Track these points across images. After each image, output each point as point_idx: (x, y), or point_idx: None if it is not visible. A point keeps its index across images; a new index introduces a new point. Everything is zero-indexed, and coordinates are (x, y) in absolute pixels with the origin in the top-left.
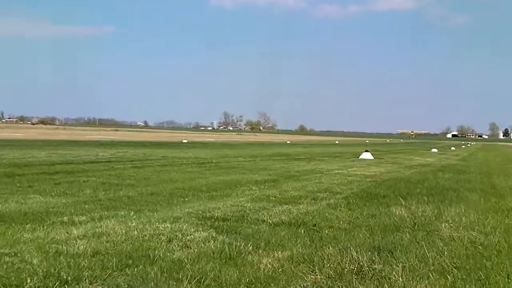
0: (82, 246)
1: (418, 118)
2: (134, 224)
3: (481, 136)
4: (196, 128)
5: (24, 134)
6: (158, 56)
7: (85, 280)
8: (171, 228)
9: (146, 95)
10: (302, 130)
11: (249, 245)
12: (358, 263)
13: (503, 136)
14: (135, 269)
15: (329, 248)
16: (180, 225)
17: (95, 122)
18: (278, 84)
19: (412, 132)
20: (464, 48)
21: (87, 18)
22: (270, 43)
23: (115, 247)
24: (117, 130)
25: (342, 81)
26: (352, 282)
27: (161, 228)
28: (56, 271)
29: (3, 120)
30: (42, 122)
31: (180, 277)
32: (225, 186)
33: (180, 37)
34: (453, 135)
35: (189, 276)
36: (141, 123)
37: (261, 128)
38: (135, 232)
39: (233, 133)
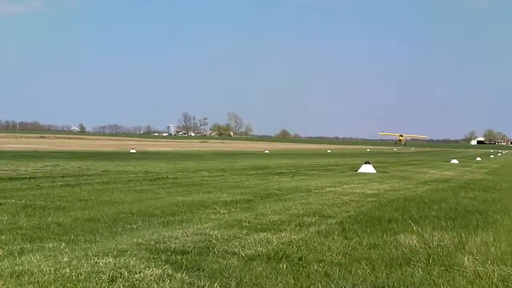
0: None
1: (434, 121)
2: (66, 259)
3: None
4: (148, 134)
5: None
6: (100, 49)
7: None
8: (115, 264)
9: (82, 93)
10: (284, 137)
11: (215, 286)
12: None
13: None
14: None
15: None
16: (126, 260)
17: (15, 126)
18: (253, 79)
19: (401, 136)
20: (489, 37)
21: None
22: (243, 32)
23: None
24: (43, 137)
25: (335, 78)
26: None
27: (101, 264)
28: None
29: None
30: None
31: None
32: (185, 208)
33: (126, 30)
34: (478, 142)
35: None
36: (75, 128)
37: (232, 133)
38: (67, 270)
39: (196, 140)
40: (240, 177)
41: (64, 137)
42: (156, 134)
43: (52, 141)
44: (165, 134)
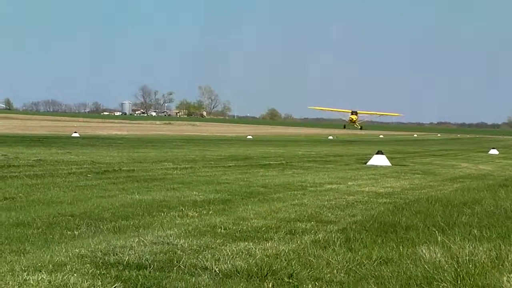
0: None
1: (465, 101)
2: None
3: None
4: (96, 113)
5: None
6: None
7: None
8: (49, 281)
9: (8, 59)
10: (273, 118)
11: None
12: None
13: None
14: None
15: None
16: (65, 277)
17: None
18: (233, 43)
19: (354, 114)
20: None
21: None
22: None
23: None
24: None
25: (339, 43)
26: None
27: (31, 281)
28: None
29: None
30: None
31: None
32: (143, 210)
33: None
34: None
35: None
36: None
37: (205, 113)
38: None
39: (158, 122)
40: (214, 170)
41: None
42: (107, 113)
43: None
44: (117, 114)
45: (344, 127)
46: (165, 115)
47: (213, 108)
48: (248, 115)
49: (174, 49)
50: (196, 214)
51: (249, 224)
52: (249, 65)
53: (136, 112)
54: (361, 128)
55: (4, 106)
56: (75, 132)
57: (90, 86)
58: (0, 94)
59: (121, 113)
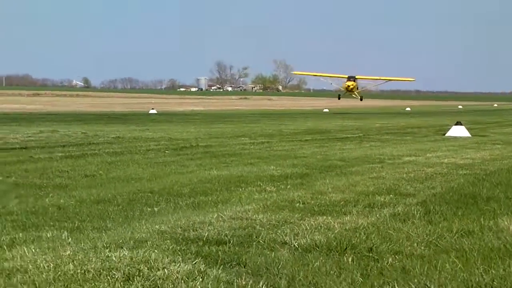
0: None
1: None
2: (68, 252)
3: None
4: (172, 89)
5: None
6: None
7: None
8: (131, 258)
9: (86, 39)
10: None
11: (260, 285)
12: None
13: None
14: None
15: None
16: (146, 253)
17: (0, 81)
18: (306, 17)
19: (351, 81)
20: None
21: None
22: None
23: None
24: (37, 95)
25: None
26: None
27: (114, 258)
28: None
29: None
30: None
31: None
32: (221, 186)
33: None
34: None
35: None
36: (78, 83)
37: (281, 87)
38: (71, 266)
39: (234, 97)
40: (291, 144)
41: (65, 95)
42: (183, 89)
43: (48, 100)
44: (194, 90)
45: (339, 98)
46: (241, 90)
47: (289, 82)
48: (324, 88)
49: (247, 24)
50: (274, 189)
51: (327, 198)
52: (324, 38)
53: (212, 88)
54: (361, 99)
55: (82, 84)
56: (153, 108)
57: (166, 63)
58: (78, 73)
59: (197, 89)
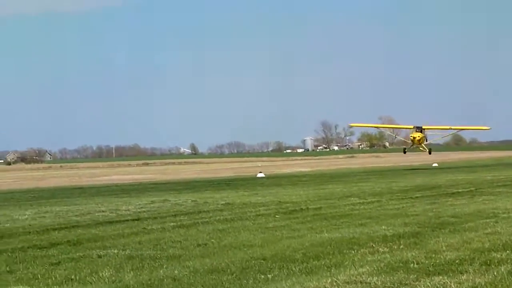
0: None
1: None
2: None
3: None
4: (279, 151)
5: None
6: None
7: None
8: None
9: (191, 105)
10: (457, 144)
11: None
12: None
13: None
14: None
15: None
16: None
17: (110, 153)
18: (409, 72)
19: (418, 132)
20: None
21: None
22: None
23: None
24: (146, 164)
25: None
26: None
27: None
28: None
29: None
30: (24, 158)
31: None
32: (333, 249)
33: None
34: None
35: None
36: (185, 150)
37: (387, 144)
38: None
39: (341, 156)
40: (402, 202)
41: (173, 163)
42: (289, 150)
43: (157, 169)
44: (300, 150)
45: (404, 152)
46: (347, 148)
47: (396, 138)
48: (432, 142)
49: (351, 81)
50: (387, 250)
51: (441, 257)
52: (431, 91)
53: (318, 148)
54: (430, 153)
55: (190, 151)
56: (260, 172)
57: (271, 125)
58: (185, 140)
59: (303, 149)
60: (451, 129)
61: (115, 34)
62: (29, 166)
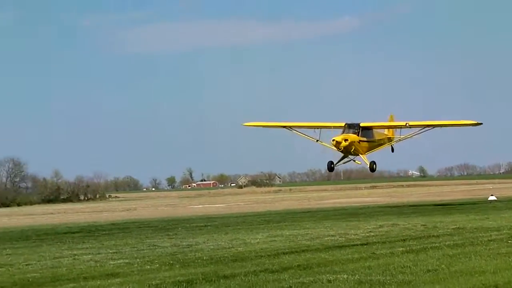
0: None
1: None
2: None
3: None
4: (511, 172)
5: (227, 204)
6: None
7: None
8: None
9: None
10: None
11: None
12: None
13: None
14: None
15: None
16: None
17: (338, 175)
18: None
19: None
20: None
21: None
22: None
23: None
24: (374, 187)
25: None
26: None
27: None
28: None
29: (193, 184)
30: (255, 182)
31: None
32: None
33: None
34: None
35: None
36: (414, 173)
37: None
38: None
39: None
40: None
41: (401, 185)
42: None
43: (385, 191)
44: None
45: (329, 169)
46: None
47: None
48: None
49: None
50: None
51: None
52: None
53: None
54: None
55: (418, 173)
56: (492, 195)
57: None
58: (414, 163)
59: None
60: (429, 125)
61: None
62: (259, 189)
